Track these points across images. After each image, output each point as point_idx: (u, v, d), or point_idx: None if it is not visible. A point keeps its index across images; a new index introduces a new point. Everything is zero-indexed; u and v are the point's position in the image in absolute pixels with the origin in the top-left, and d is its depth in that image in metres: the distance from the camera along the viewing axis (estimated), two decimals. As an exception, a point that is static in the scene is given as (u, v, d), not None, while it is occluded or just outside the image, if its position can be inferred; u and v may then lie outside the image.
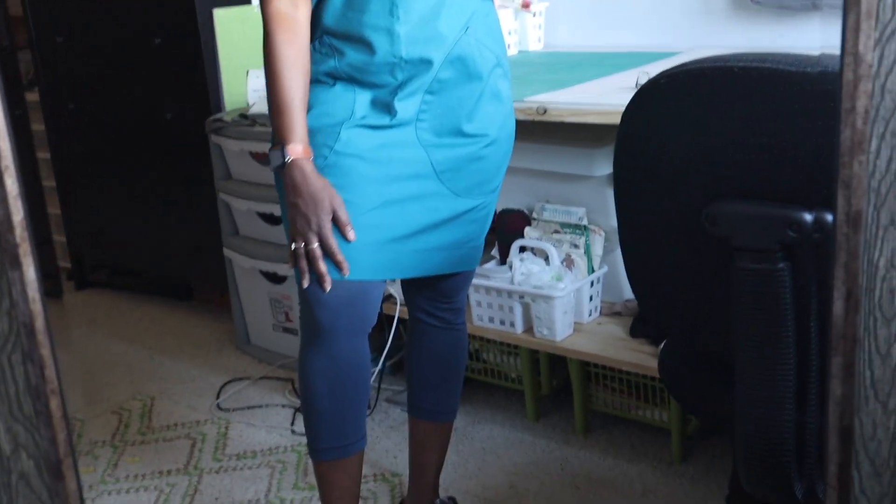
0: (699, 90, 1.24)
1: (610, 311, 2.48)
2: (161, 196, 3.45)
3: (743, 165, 1.25)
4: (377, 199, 1.68)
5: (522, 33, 2.82)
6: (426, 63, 1.65)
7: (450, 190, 1.75)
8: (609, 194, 2.37)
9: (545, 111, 2.03)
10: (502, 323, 2.42)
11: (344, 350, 1.75)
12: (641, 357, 2.24)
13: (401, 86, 1.66)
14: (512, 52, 2.82)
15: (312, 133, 1.64)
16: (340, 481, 1.85)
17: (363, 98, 1.66)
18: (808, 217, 1.19)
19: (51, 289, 3.75)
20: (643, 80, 2.07)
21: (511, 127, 1.83)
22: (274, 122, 1.63)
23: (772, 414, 1.29)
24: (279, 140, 1.62)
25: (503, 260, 2.51)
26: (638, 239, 1.43)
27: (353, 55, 1.64)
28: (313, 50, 1.67)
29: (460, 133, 1.73)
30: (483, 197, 1.81)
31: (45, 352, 0.85)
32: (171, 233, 3.46)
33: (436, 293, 1.94)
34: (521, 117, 2.09)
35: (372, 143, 1.67)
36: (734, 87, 1.21)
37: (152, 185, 3.47)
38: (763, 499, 1.38)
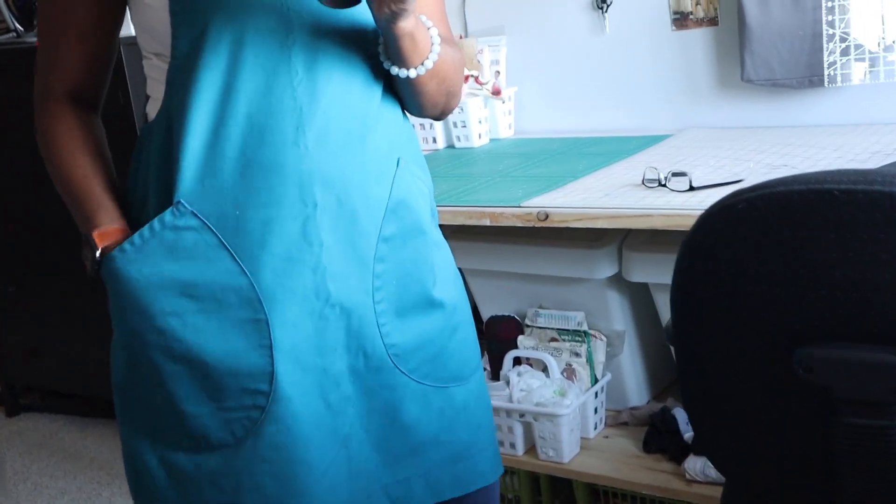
0: (789, 217, 1.04)
1: (615, 421, 2.26)
2: (98, 307, 3.14)
3: (844, 303, 1.04)
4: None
5: (493, 121, 2.62)
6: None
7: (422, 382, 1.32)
8: (610, 296, 2.17)
9: (547, 217, 1.82)
10: (501, 444, 2.18)
11: None
12: (662, 478, 2.01)
13: None
14: (483, 140, 2.62)
15: None
16: None
17: None
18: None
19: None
20: (651, 175, 1.89)
21: (459, 278, 1.41)
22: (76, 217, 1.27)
23: None
24: (84, 233, 1.25)
25: (495, 374, 2.28)
26: (704, 381, 1.21)
27: None
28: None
29: (430, 303, 1.31)
30: (473, 373, 1.40)
31: None
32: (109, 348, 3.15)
33: None
34: (520, 224, 1.88)
35: None
36: (834, 214, 1.01)
37: (87, 296, 3.15)
38: None
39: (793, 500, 1.20)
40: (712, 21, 2.37)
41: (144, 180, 1.24)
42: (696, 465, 1.95)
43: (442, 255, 1.36)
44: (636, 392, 2.28)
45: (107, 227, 1.23)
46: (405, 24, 1.16)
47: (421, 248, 1.31)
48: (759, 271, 1.08)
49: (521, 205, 1.88)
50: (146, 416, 1.27)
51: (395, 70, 1.22)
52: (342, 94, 1.21)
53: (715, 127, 2.41)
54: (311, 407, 1.23)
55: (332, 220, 1.21)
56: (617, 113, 2.55)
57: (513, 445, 2.17)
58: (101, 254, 1.22)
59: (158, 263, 1.19)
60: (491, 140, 2.65)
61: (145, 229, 1.19)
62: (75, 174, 1.26)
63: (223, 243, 1.19)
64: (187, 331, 1.20)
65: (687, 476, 1.97)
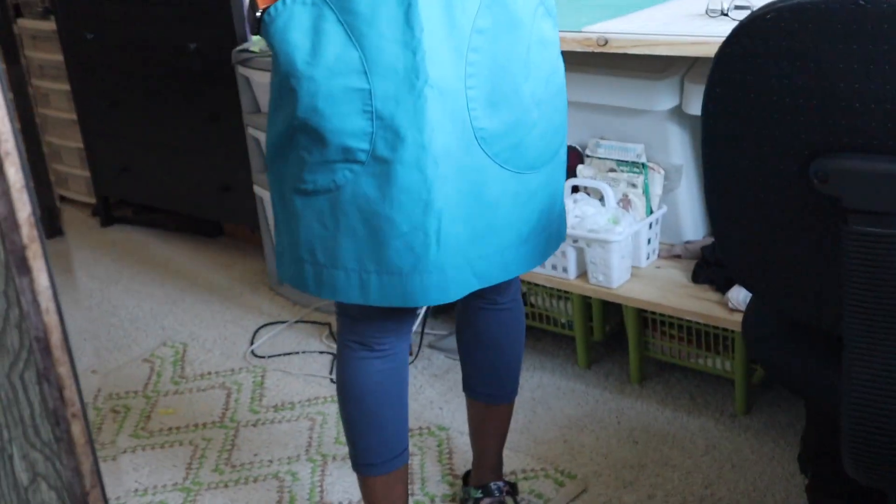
0: (814, 27, 1.06)
1: (669, 253, 2.32)
2: (188, 130, 3.29)
3: (863, 115, 1.07)
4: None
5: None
6: None
7: (503, 167, 1.49)
8: (670, 129, 2.20)
9: (606, 42, 1.85)
10: (554, 268, 2.27)
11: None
12: (705, 305, 2.08)
13: None
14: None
15: None
16: (383, 497, 1.72)
17: None
18: (944, 177, 1.02)
19: (50, 229, 3.61)
20: (714, 5, 1.89)
21: (561, 79, 1.56)
22: None
23: (890, 392, 1.14)
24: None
25: (554, 200, 2.34)
26: (729, 189, 1.26)
27: None
28: None
29: (518, 96, 1.46)
30: (546, 164, 1.57)
31: (64, 370, 0.71)
32: (198, 168, 3.31)
33: None
34: (579, 48, 1.90)
35: None
36: (858, 25, 1.03)
37: (178, 118, 3.30)
38: (870, 485, 1.24)
39: (806, 311, 1.26)
40: None
41: None
42: (739, 295, 2.01)
43: (543, 54, 1.49)
44: (691, 226, 2.33)
45: None
46: None
47: (515, 43, 1.44)
48: (783, 83, 1.11)
49: (582, 30, 1.90)
50: (282, 166, 1.51)
51: None
52: None
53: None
54: (405, 174, 1.40)
55: (431, 8, 1.36)
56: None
57: (565, 269, 2.25)
58: (260, 10, 1.42)
59: (296, 29, 1.38)
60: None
61: (279, 2, 1.39)
62: None
63: (339, 19, 1.37)
64: (305, 92, 1.40)
65: (729, 305, 2.04)
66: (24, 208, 0.66)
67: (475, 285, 1.51)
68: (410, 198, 1.41)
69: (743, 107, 1.16)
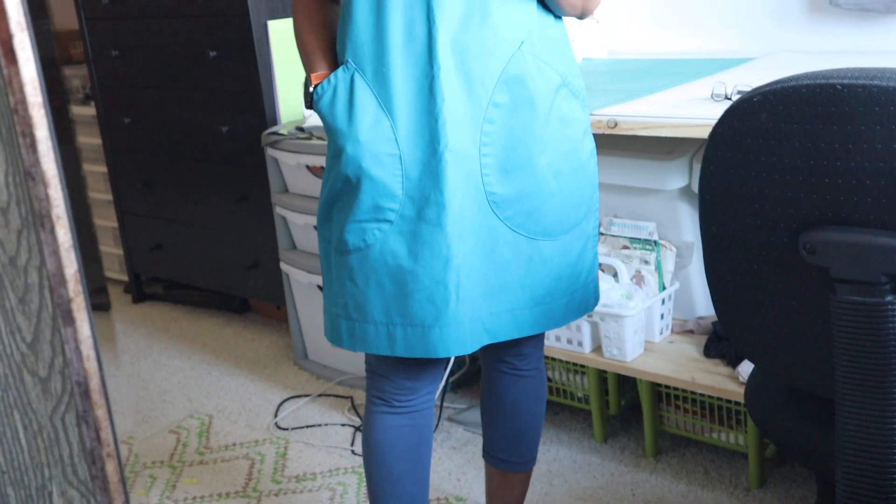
0: (797, 110, 1.15)
1: (681, 328, 2.38)
2: (217, 209, 3.41)
3: (844, 190, 1.15)
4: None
5: (586, 41, 2.72)
6: None
7: (515, 231, 1.58)
8: (681, 208, 2.28)
9: (615, 124, 1.94)
10: (569, 342, 2.33)
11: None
12: (717, 379, 2.14)
13: None
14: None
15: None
16: None
17: None
18: (921, 248, 1.09)
19: (99, 303, 3.72)
20: (718, 90, 1.98)
21: (585, 156, 1.64)
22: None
23: (880, 457, 1.19)
24: (307, 75, 1.64)
25: (569, 276, 2.42)
26: (726, 262, 1.33)
27: None
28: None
29: (533, 168, 1.56)
30: (563, 234, 1.64)
31: (101, 412, 0.79)
32: (227, 246, 3.42)
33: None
34: (592, 131, 1.99)
35: None
36: (836, 107, 1.12)
37: (208, 198, 3.43)
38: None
39: (802, 377, 1.32)
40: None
41: (342, 44, 1.59)
42: (749, 368, 2.06)
43: (563, 131, 1.59)
44: (703, 302, 2.39)
45: (319, 71, 1.62)
46: None
47: (532, 118, 1.55)
48: (771, 160, 1.19)
49: (594, 113, 2.00)
50: (326, 229, 1.66)
51: None
52: None
53: (800, 51, 2.46)
54: (428, 232, 1.52)
55: (452, 81, 1.50)
56: (707, 36, 2.62)
57: (580, 343, 2.31)
58: (312, 88, 1.60)
59: (339, 100, 1.55)
60: (584, 60, 2.75)
61: (330, 77, 1.57)
62: (303, 37, 1.66)
63: (373, 92, 1.53)
64: (347, 156, 1.54)
65: (740, 378, 2.09)
66: (71, 266, 0.75)
67: (486, 340, 1.59)
68: (433, 254, 1.52)
69: (735, 183, 1.24)
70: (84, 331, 0.76)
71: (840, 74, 1.11)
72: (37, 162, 0.75)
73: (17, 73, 0.73)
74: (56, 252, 0.75)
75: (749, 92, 1.20)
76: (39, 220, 0.75)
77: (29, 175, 0.75)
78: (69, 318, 0.76)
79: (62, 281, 0.75)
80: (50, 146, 0.75)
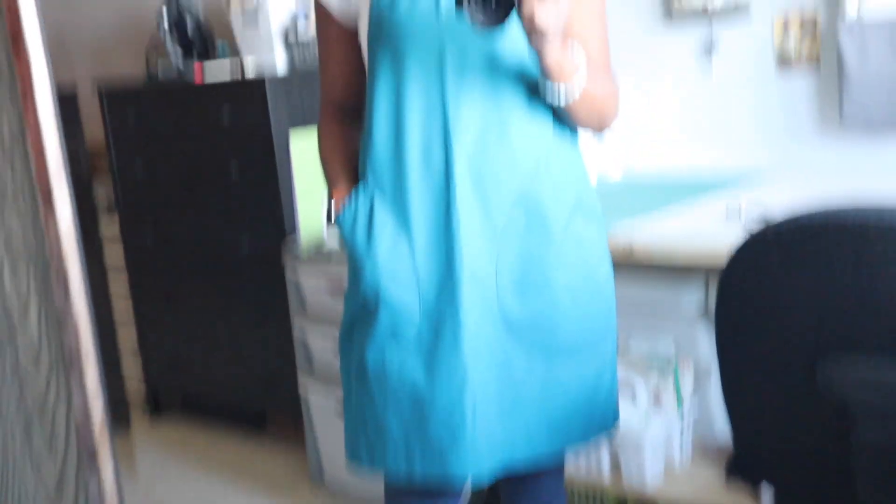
0: (809, 247, 1.16)
1: (702, 449, 2.35)
2: (236, 327, 3.43)
3: (858, 321, 1.16)
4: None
5: (600, 160, 2.78)
6: None
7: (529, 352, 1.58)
8: (698, 327, 2.28)
9: (632, 252, 1.97)
10: (588, 466, 2.31)
11: None
12: (739, 500, 2.10)
13: None
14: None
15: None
16: None
17: None
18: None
19: (118, 419, 3.71)
20: (733, 207, 2.01)
21: (602, 277, 1.64)
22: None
23: None
24: (329, 193, 1.70)
25: (587, 397, 2.41)
26: (742, 387, 1.34)
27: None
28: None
29: (549, 287, 1.57)
30: (579, 353, 1.62)
31: (123, 558, 0.79)
32: (245, 363, 3.43)
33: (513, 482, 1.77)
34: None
35: None
36: (849, 245, 1.13)
37: (228, 315, 3.45)
38: None
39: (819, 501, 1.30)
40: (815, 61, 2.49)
41: (363, 163, 1.63)
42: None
43: (578, 252, 1.59)
44: (723, 422, 2.36)
45: (341, 189, 1.68)
46: (552, 51, 1.42)
47: (546, 240, 1.56)
48: (786, 293, 1.21)
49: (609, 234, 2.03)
50: (348, 350, 1.67)
51: (546, 98, 1.50)
52: (483, 104, 1.53)
53: (810, 167, 2.51)
54: (445, 353, 1.52)
55: (468, 204, 1.52)
56: (715, 151, 2.69)
57: (598, 469, 2.29)
58: (334, 205, 1.67)
59: (359, 221, 1.60)
60: (598, 177, 2.80)
61: (351, 194, 1.62)
62: (326, 155, 1.75)
63: (392, 214, 1.56)
64: (366, 275, 1.58)
65: (762, 502, 2.06)
66: (97, 411, 0.76)
67: (502, 463, 1.57)
68: (449, 375, 1.52)
69: (749, 314, 1.25)
70: (108, 476, 0.77)
71: (853, 214, 1.13)
72: (69, 308, 0.77)
73: (55, 224, 0.75)
74: (83, 396, 0.76)
75: (762, 229, 1.22)
76: (69, 362, 0.76)
77: (60, 321, 0.77)
78: (94, 465, 0.77)
79: (88, 427, 0.76)
80: (82, 290, 0.78)
